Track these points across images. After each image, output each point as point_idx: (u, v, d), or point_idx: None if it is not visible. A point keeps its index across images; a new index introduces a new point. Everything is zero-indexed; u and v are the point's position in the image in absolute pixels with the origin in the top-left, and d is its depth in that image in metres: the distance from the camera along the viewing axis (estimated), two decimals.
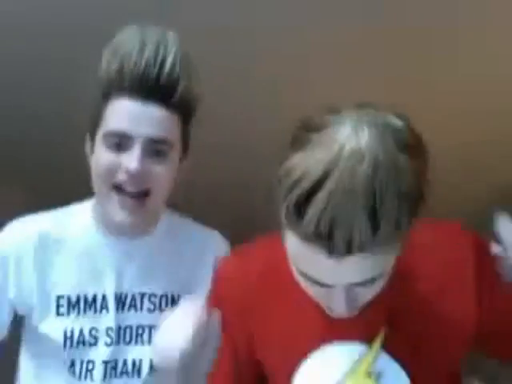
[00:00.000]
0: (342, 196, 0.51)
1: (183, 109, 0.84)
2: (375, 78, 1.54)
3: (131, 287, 0.89)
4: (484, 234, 0.72)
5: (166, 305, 0.91)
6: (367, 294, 0.61)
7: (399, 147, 0.54)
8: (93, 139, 0.86)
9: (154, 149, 0.82)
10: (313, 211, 0.52)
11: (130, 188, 0.81)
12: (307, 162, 0.53)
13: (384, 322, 0.69)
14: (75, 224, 0.91)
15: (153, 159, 0.82)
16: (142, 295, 0.90)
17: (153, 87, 0.80)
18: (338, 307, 0.60)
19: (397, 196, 0.52)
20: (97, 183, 0.84)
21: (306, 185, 0.52)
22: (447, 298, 0.69)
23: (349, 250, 0.52)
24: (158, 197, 0.85)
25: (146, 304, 0.90)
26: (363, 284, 0.58)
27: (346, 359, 0.68)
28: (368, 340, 0.68)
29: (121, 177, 0.81)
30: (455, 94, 1.71)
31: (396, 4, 1.39)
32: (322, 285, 0.58)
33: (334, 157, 0.52)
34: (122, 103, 0.81)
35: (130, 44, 0.81)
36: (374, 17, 1.42)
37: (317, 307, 0.67)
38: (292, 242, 0.57)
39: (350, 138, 0.53)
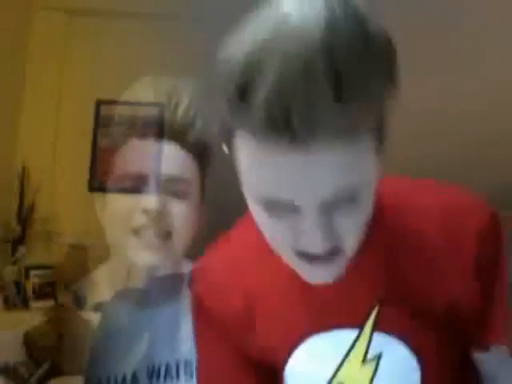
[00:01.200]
0: (293, 64, 0.40)
1: (199, 150, 0.81)
2: None
3: (164, 357, 0.82)
4: None
5: None
6: (347, 224, 0.48)
7: (359, 9, 0.43)
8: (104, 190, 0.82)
9: (172, 189, 0.78)
10: (262, 91, 0.41)
11: (149, 231, 0.76)
12: (244, 39, 0.43)
13: (373, 294, 0.58)
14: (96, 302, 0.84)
15: (171, 199, 0.77)
16: (177, 362, 0.83)
17: (166, 128, 0.78)
18: (312, 240, 0.47)
19: (363, 55, 0.41)
20: (113, 235, 0.80)
21: (244, 63, 0.42)
22: (438, 271, 0.58)
23: (311, 130, 0.40)
24: (179, 240, 0.79)
25: (183, 371, 0.83)
26: (339, 201, 0.45)
27: (336, 349, 0.59)
28: (359, 319, 0.58)
29: (139, 220, 0.76)
30: (454, 94, 1.70)
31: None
32: (286, 206, 0.46)
33: (275, 23, 0.42)
34: (134, 144, 0.79)
35: (144, 94, 0.80)
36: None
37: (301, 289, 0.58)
38: (246, 152, 0.46)
39: (293, 4, 0.43)
